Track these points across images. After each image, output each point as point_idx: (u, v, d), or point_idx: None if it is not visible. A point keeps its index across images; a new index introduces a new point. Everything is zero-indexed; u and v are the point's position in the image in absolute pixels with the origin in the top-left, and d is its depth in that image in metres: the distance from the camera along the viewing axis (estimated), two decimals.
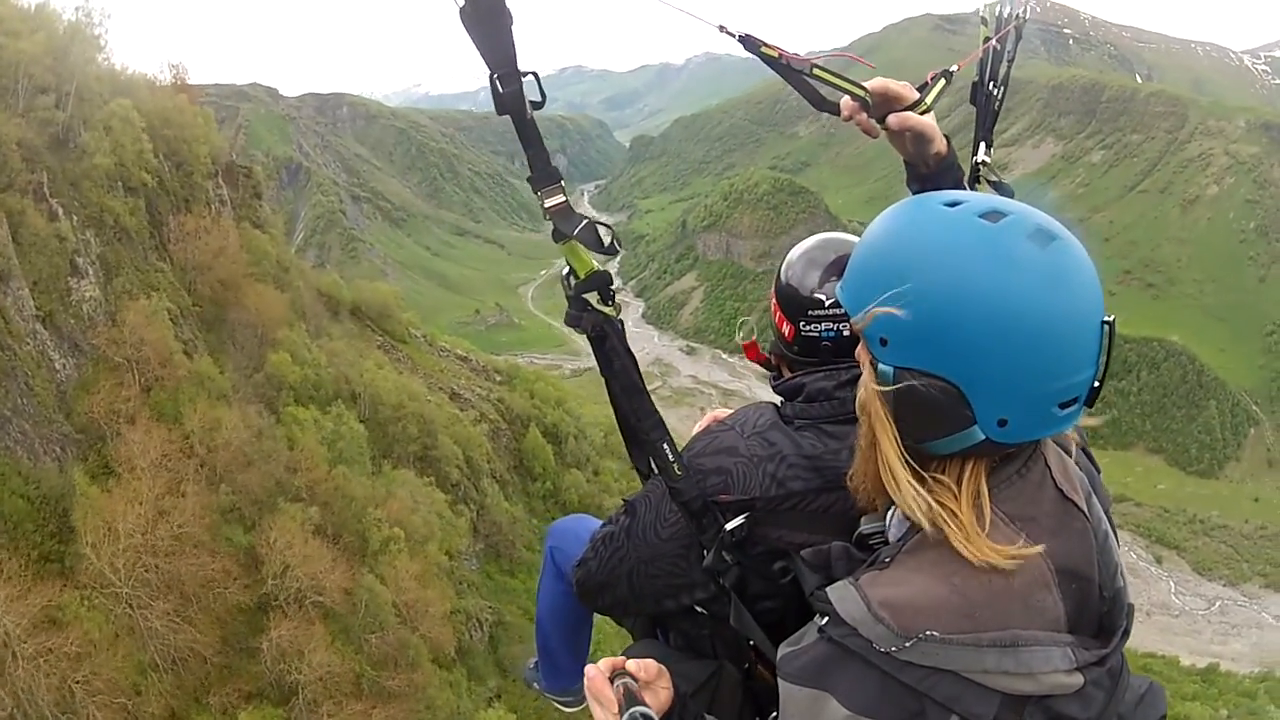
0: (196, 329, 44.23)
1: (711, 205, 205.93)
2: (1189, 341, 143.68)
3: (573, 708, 4.14)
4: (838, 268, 2.53)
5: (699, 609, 2.51)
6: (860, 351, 1.71)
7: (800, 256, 2.65)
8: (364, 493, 41.97)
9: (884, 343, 1.58)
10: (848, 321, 1.72)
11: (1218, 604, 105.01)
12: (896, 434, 1.62)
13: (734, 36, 2.29)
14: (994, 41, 2.79)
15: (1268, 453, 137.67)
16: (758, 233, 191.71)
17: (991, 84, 2.86)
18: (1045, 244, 1.54)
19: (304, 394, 45.88)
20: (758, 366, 2.82)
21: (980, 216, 1.58)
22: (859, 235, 1.87)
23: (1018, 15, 2.84)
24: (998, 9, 2.83)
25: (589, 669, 1.96)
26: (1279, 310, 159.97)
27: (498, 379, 67.61)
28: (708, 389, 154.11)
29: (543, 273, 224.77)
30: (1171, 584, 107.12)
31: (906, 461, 1.62)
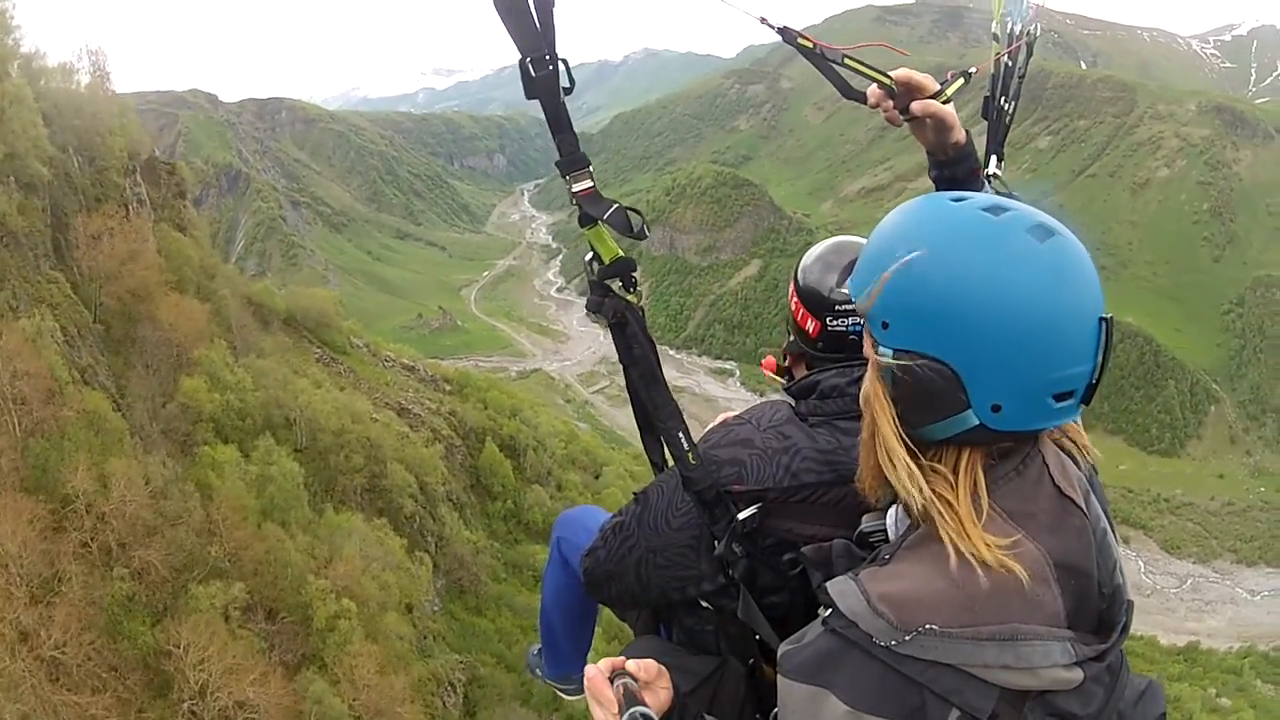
0: (98, 351, 37.30)
1: (653, 200, 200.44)
2: (1144, 323, 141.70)
3: (574, 695, 4.16)
4: (819, 265, 2.67)
5: (704, 603, 2.54)
6: (866, 341, 1.74)
7: (816, 260, 2.73)
8: (302, 555, 33.83)
9: (885, 326, 1.62)
10: None
11: (1189, 581, 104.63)
12: (895, 418, 1.65)
13: (774, 29, 2.32)
14: (1005, 56, 2.84)
15: (1229, 430, 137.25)
16: (701, 226, 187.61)
17: (1003, 98, 2.91)
18: (1045, 238, 1.58)
19: (226, 425, 38.84)
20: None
21: (983, 210, 1.63)
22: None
23: (1028, 31, 2.88)
24: (1008, 25, 2.86)
25: (589, 669, 1.96)
26: (1235, 289, 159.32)
27: (447, 389, 61.78)
28: None
29: (485, 274, 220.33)
30: (1140, 563, 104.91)
31: (905, 446, 1.65)
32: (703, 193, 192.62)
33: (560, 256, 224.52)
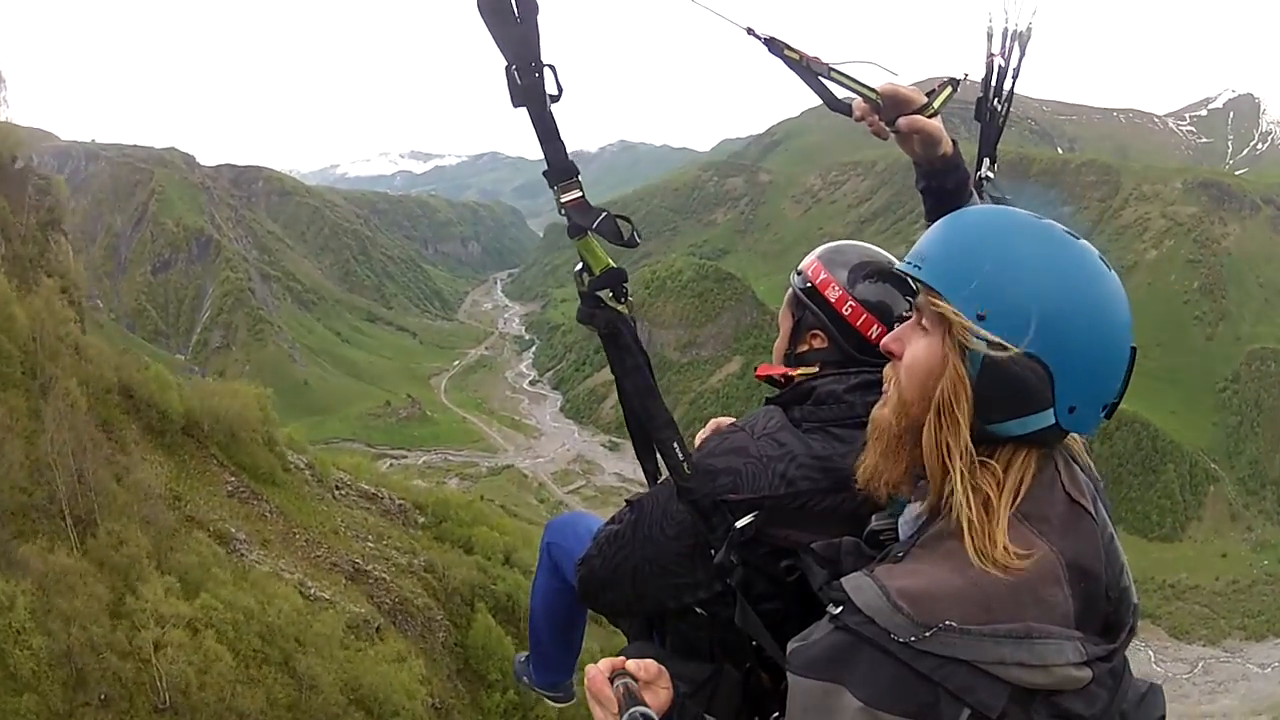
0: None
1: (633, 293, 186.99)
2: (1140, 408, 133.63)
3: (561, 703, 4.23)
4: (864, 271, 2.62)
5: (698, 610, 2.50)
6: (929, 324, 1.69)
7: (861, 267, 2.65)
8: None
9: (981, 317, 1.59)
10: None
11: (1200, 665, 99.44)
12: (973, 411, 1.61)
13: (760, 39, 2.33)
14: (998, 58, 2.77)
15: (1229, 507, 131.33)
16: (681, 321, 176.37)
17: (995, 100, 2.85)
18: (1109, 266, 1.65)
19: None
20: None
21: (1063, 229, 1.67)
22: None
23: (1021, 31, 2.77)
24: (1003, 25, 2.76)
25: (589, 669, 1.94)
26: (1229, 366, 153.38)
27: (421, 520, 43.98)
28: (635, 487, 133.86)
29: (455, 363, 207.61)
30: (1150, 653, 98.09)
31: (970, 444, 1.62)
32: (683, 286, 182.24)
33: (533, 348, 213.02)
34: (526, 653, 4.23)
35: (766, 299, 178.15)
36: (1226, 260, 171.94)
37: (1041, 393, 1.57)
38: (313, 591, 29.38)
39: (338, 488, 41.53)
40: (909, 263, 1.72)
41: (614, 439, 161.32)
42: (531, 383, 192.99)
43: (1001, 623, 1.46)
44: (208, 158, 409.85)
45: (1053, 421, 1.59)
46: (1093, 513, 1.67)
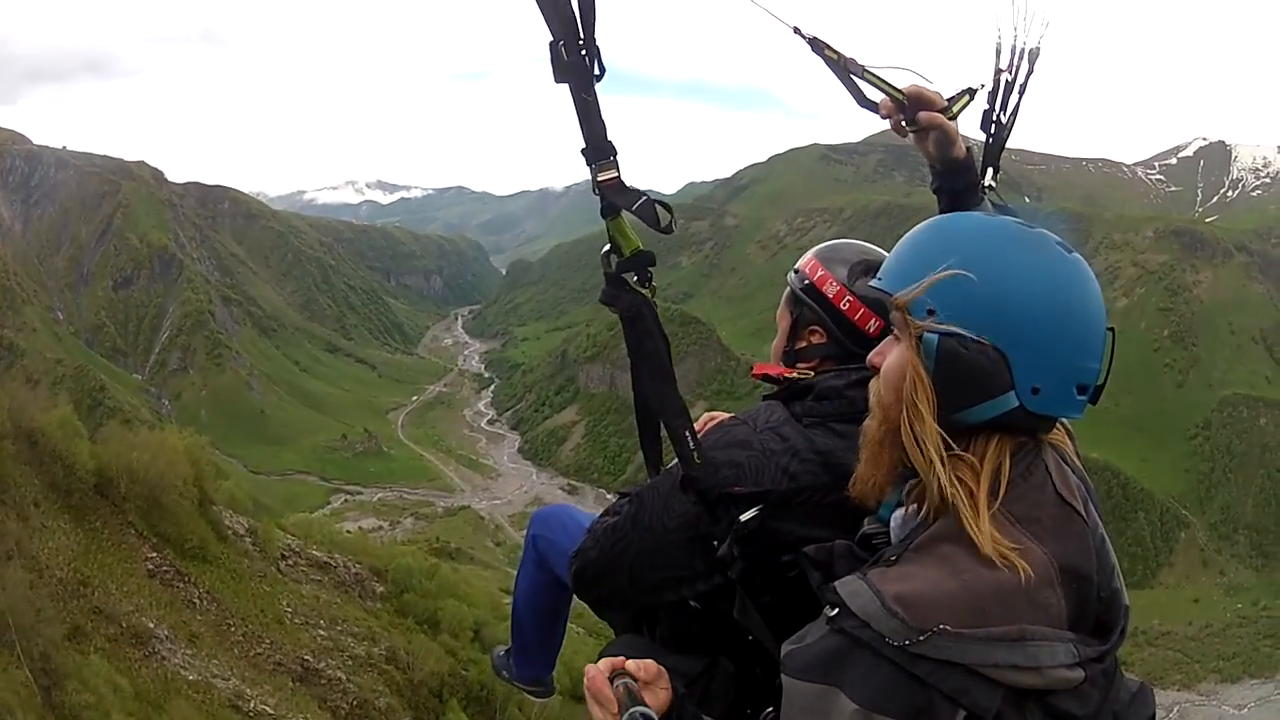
0: None
1: (595, 335, 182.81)
2: (1110, 456, 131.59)
3: (541, 698, 4.22)
4: (861, 267, 2.66)
5: (694, 603, 2.49)
6: (897, 330, 1.74)
7: (848, 271, 2.68)
8: None
9: (930, 312, 1.64)
10: None
11: (1175, 709, 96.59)
12: (936, 403, 1.64)
13: (804, 39, 2.41)
14: (1006, 73, 2.81)
15: (1201, 553, 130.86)
16: None
17: (1002, 113, 2.88)
18: (1070, 251, 1.69)
19: None
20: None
21: (1017, 222, 1.72)
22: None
23: (1029, 49, 2.82)
24: (1012, 41, 2.81)
25: (589, 669, 1.94)
26: (1200, 413, 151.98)
27: (379, 590, 35.65)
28: None
29: (414, 399, 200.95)
30: None
31: (940, 430, 1.63)
32: None
33: (493, 386, 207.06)
34: (506, 647, 4.23)
35: (731, 344, 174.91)
36: (1198, 307, 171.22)
37: (998, 375, 1.60)
38: (252, 703, 21.71)
39: (283, 557, 33.09)
40: (876, 278, 1.78)
41: (573, 482, 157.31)
42: (490, 422, 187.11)
43: (995, 626, 1.47)
44: (176, 174, 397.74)
45: (1017, 404, 1.61)
46: (1084, 514, 1.68)
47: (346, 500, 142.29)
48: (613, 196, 2.03)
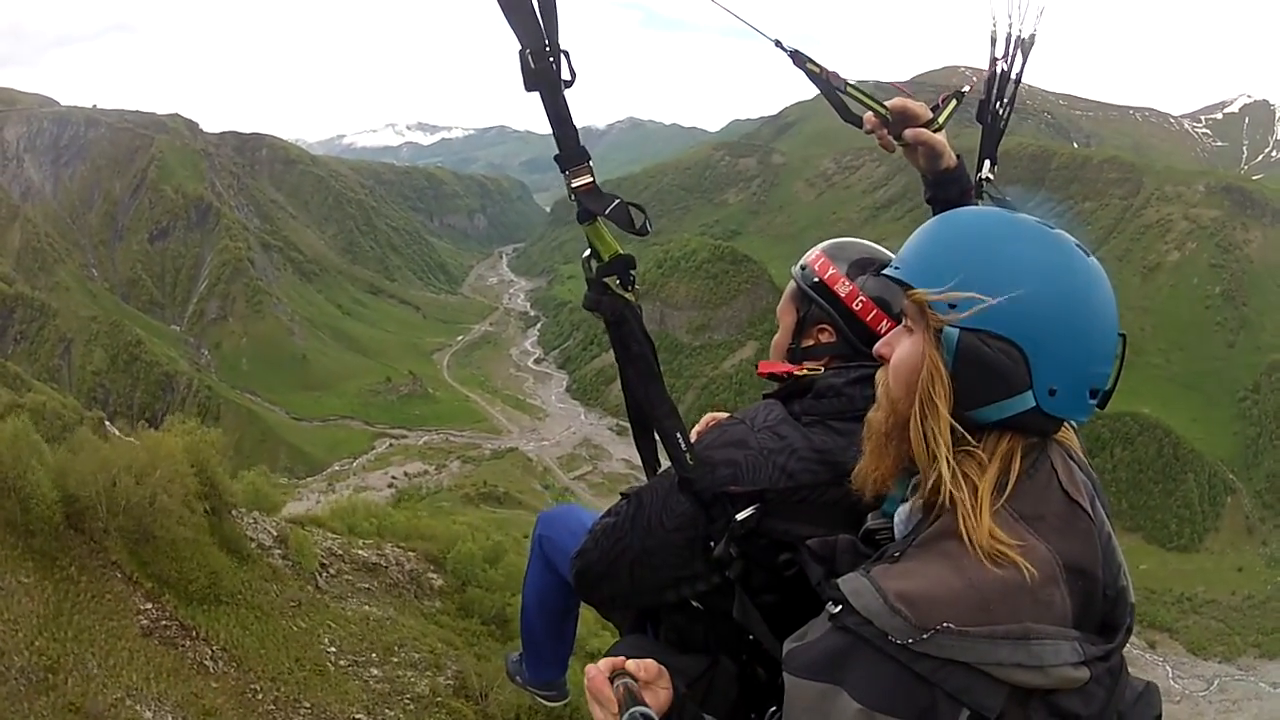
0: None
1: (644, 272, 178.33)
2: (1160, 413, 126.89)
3: (555, 703, 4.11)
4: (869, 266, 2.61)
5: (695, 603, 2.47)
6: (911, 322, 1.72)
7: (857, 269, 2.63)
8: None
9: (953, 306, 1.61)
10: None
11: (1216, 682, 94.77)
12: (953, 399, 1.61)
13: (786, 52, 2.39)
14: (1001, 63, 2.80)
15: (1246, 520, 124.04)
16: (695, 303, 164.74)
17: (998, 103, 2.87)
18: (1088, 254, 1.66)
19: None
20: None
21: (1038, 221, 1.70)
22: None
23: (1024, 38, 2.80)
24: (1007, 30, 2.79)
25: (589, 668, 1.91)
26: (1250, 375, 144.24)
27: (437, 584, 28.27)
28: (643, 475, 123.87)
29: (459, 339, 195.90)
30: (1169, 669, 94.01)
31: (954, 428, 1.62)
32: (697, 267, 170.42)
33: (539, 325, 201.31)
34: (519, 652, 4.14)
35: (781, 283, 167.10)
36: (1249, 267, 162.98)
37: (1018, 375, 1.57)
38: None
39: (323, 567, 24.84)
40: (893, 266, 1.74)
41: (621, 423, 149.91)
42: (536, 361, 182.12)
43: (999, 624, 1.44)
44: (211, 125, 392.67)
45: (1033, 404, 1.59)
46: (1090, 512, 1.66)
47: (391, 445, 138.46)
48: (587, 202, 2.01)
